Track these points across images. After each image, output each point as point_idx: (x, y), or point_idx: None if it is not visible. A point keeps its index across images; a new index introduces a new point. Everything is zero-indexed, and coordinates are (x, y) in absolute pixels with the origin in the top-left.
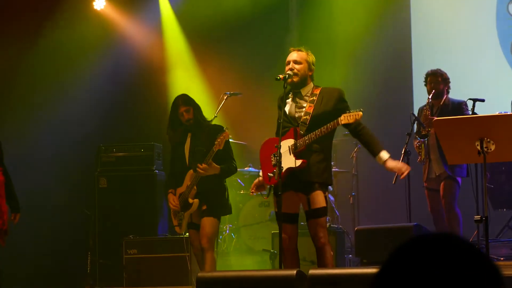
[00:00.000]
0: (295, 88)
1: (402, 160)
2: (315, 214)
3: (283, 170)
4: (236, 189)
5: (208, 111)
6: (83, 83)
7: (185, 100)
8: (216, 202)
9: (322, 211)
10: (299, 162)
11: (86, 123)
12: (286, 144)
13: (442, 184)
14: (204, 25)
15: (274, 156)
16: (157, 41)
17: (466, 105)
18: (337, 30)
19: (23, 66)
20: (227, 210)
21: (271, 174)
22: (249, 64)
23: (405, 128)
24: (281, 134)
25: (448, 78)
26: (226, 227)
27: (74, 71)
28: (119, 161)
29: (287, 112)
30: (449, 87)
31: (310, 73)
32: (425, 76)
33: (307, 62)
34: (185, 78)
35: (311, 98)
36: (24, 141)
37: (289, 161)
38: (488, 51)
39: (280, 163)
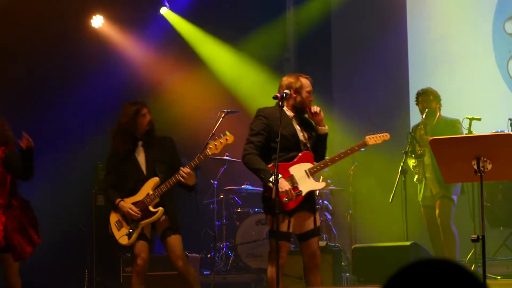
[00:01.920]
0: (300, 113)
1: (398, 179)
2: (318, 231)
3: (303, 193)
4: (233, 207)
5: (206, 129)
6: (81, 100)
7: (142, 102)
8: (176, 218)
9: (320, 229)
10: (323, 184)
11: (84, 141)
12: (302, 168)
13: (437, 203)
14: (203, 41)
15: (288, 180)
16: (155, 58)
17: (459, 123)
18: (334, 51)
19: (21, 84)
20: (181, 227)
21: (286, 199)
22: (247, 80)
23: (401, 147)
24: (288, 159)
25: (439, 96)
26: (223, 245)
27: (72, 89)
28: None
29: (300, 135)
30: (440, 105)
31: None
32: (416, 95)
33: None
34: (183, 95)
35: (300, 122)
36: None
37: (309, 184)
38: (484, 69)
39: (278, 182)
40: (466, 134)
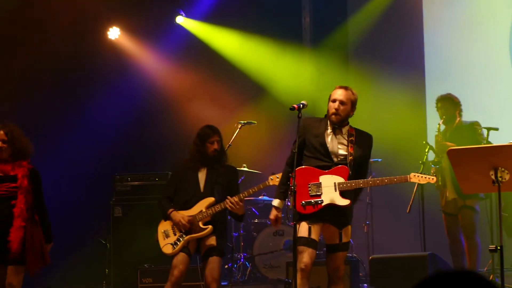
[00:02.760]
0: (336, 124)
1: (416, 189)
2: (344, 247)
3: (323, 203)
4: (251, 218)
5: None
6: (98, 112)
7: (215, 130)
8: (224, 241)
9: (348, 246)
10: (346, 201)
11: (102, 152)
12: (332, 180)
13: (459, 215)
14: (221, 54)
15: (314, 186)
16: (172, 70)
17: (478, 124)
18: (351, 57)
19: (39, 96)
20: (225, 251)
21: (304, 203)
22: (264, 91)
23: (418, 156)
24: (321, 166)
25: (459, 102)
26: (241, 255)
27: (90, 101)
28: (134, 190)
29: (329, 145)
30: (460, 110)
31: (351, 113)
32: (436, 101)
33: (351, 102)
34: (201, 107)
35: (350, 138)
36: (38, 170)
37: (333, 197)
38: (502, 79)
39: (295, 192)
40: (484, 144)
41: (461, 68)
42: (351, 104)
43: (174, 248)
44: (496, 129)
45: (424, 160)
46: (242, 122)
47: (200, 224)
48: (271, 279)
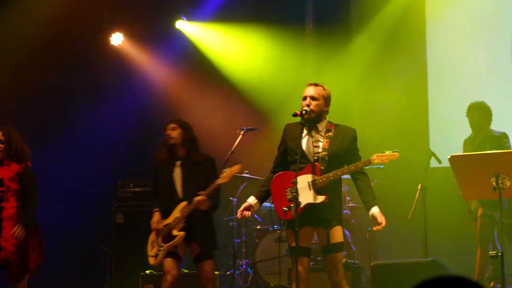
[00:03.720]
0: (311, 123)
1: (418, 196)
2: (334, 249)
3: (301, 205)
4: (253, 224)
5: (226, 146)
6: (101, 118)
7: (178, 121)
8: (210, 243)
9: (340, 246)
10: (321, 198)
11: (104, 158)
12: (305, 180)
13: (478, 221)
14: (219, 60)
15: (291, 191)
16: (174, 75)
17: (506, 136)
18: (352, 65)
19: (41, 101)
20: (216, 246)
21: (286, 209)
22: (266, 98)
23: (422, 164)
24: (290, 169)
25: (490, 111)
26: (243, 262)
27: (92, 106)
28: (136, 196)
29: (304, 147)
30: (490, 119)
31: (326, 109)
32: (468, 108)
33: (324, 98)
34: (204, 113)
35: (327, 134)
36: (41, 176)
37: (308, 196)
38: (504, 86)
39: (297, 198)
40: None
41: (463, 73)
42: (324, 100)
43: (156, 259)
44: None
45: (427, 166)
46: (245, 128)
47: (174, 232)
48: (273, 285)
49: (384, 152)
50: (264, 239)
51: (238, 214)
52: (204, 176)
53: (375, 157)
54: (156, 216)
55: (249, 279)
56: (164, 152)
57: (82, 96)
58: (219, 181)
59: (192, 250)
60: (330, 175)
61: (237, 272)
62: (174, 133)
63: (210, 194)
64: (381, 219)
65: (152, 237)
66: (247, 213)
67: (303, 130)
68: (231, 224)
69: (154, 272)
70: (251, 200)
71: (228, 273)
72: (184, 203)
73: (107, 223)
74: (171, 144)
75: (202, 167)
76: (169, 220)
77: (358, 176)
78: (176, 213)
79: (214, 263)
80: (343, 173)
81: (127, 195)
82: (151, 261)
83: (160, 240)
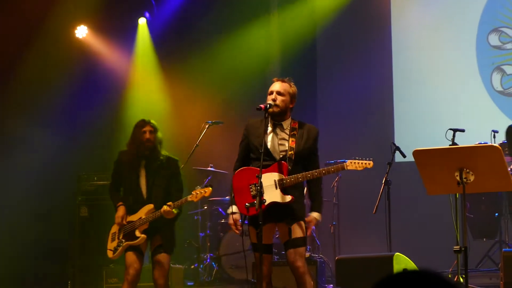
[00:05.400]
0: (276, 120)
1: (382, 190)
2: (295, 243)
3: (266, 203)
4: (217, 218)
5: (189, 141)
6: (62, 110)
7: (152, 123)
8: (170, 238)
9: (302, 241)
10: (288, 198)
11: (66, 151)
12: (271, 178)
13: None
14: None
15: (255, 186)
16: (140, 69)
17: None
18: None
19: (4, 95)
20: (173, 249)
21: (248, 205)
22: (231, 91)
23: (385, 157)
24: (263, 166)
25: None
26: (207, 256)
27: (53, 98)
28: (100, 189)
29: (269, 144)
30: None
31: (291, 106)
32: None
33: (290, 94)
34: (163, 106)
35: (292, 133)
36: (1, 171)
37: (274, 195)
38: (468, 81)
39: (261, 194)
40: (449, 145)
41: (428, 70)
42: (290, 96)
43: (114, 253)
44: (463, 130)
45: (391, 161)
46: (210, 121)
47: (137, 233)
48: (238, 279)
49: (357, 159)
50: (228, 233)
51: (235, 230)
52: (168, 178)
53: (349, 164)
54: (121, 210)
55: (214, 273)
56: (133, 151)
57: (44, 88)
58: (189, 198)
59: (152, 245)
60: (299, 176)
61: (201, 266)
62: (152, 136)
63: (179, 206)
64: (313, 224)
65: (113, 229)
66: (237, 221)
67: (267, 126)
68: (195, 217)
69: (119, 266)
70: (234, 209)
71: (192, 267)
72: (150, 206)
73: (71, 217)
74: (149, 147)
75: (167, 169)
76: (134, 218)
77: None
78: (141, 214)
79: (170, 259)
80: (314, 176)
81: (91, 188)
82: (109, 254)
83: (121, 235)
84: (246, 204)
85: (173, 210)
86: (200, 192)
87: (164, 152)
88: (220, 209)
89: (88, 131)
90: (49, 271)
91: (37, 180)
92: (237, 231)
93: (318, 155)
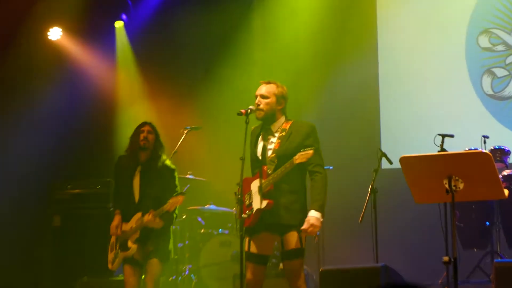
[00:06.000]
0: (265, 124)
1: (368, 199)
2: (289, 255)
3: (253, 212)
4: (197, 227)
5: (168, 146)
6: (36, 115)
7: (147, 122)
8: (163, 245)
9: (296, 253)
10: (264, 203)
11: (39, 159)
12: (256, 185)
13: None
14: (162, 56)
15: (248, 196)
16: (112, 74)
17: None
18: (300, 63)
19: None
20: (169, 257)
21: (245, 216)
22: (211, 96)
23: (371, 165)
24: (253, 174)
25: None
26: (186, 267)
27: (25, 103)
28: (74, 198)
29: (258, 150)
30: None
31: (279, 107)
32: None
33: (276, 95)
34: (142, 111)
35: (281, 134)
36: None
37: (257, 202)
38: (457, 84)
39: (242, 202)
40: (438, 151)
41: (416, 73)
42: (276, 98)
43: (112, 264)
44: (452, 135)
45: (377, 168)
46: (188, 127)
47: (129, 243)
48: None
49: (306, 150)
50: (208, 243)
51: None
52: (162, 186)
53: (297, 156)
54: (116, 220)
55: (193, 285)
56: (129, 156)
57: (15, 92)
58: (164, 207)
59: (145, 251)
60: (270, 178)
61: (180, 278)
62: (151, 137)
63: (161, 215)
64: (307, 224)
65: (112, 238)
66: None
67: (260, 130)
68: (173, 227)
69: (93, 279)
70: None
71: (170, 279)
72: (139, 215)
73: (43, 227)
74: (143, 147)
75: (161, 178)
76: (127, 227)
77: (312, 176)
78: (132, 222)
79: (162, 267)
80: (278, 175)
81: (64, 197)
82: (109, 265)
83: (117, 246)
84: (243, 215)
85: (157, 220)
86: (174, 201)
87: (164, 158)
88: (200, 219)
89: (63, 137)
90: (20, 283)
91: (8, 188)
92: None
93: (318, 150)
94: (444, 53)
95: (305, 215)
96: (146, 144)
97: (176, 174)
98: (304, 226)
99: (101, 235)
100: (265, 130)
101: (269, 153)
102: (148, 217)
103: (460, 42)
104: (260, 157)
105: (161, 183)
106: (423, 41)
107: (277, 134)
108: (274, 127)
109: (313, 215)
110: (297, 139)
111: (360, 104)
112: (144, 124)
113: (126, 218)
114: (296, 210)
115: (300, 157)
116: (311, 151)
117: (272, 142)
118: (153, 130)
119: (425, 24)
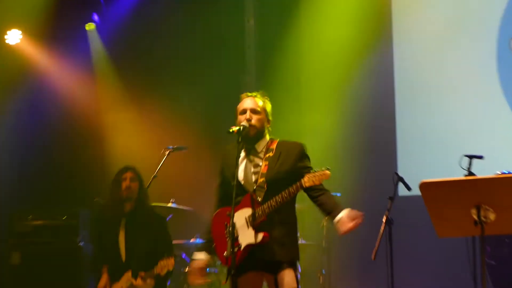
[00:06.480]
0: (249, 144)
1: (382, 231)
2: None
3: (242, 248)
4: (181, 266)
5: (148, 169)
6: None
7: (130, 167)
8: None
9: None
10: (260, 236)
11: None
12: (243, 216)
13: None
14: (143, 67)
15: (228, 229)
16: (85, 84)
17: None
18: (306, 71)
19: None
20: None
21: (226, 254)
22: (197, 112)
23: (387, 191)
24: (235, 203)
25: None
26: None
27: None
28: (37, 231)
29: (241, 175)
30: None
31: (268, 125)
32: None
33: (265, 111)
34: (120, 129)
35: (267, 155)
36: None
37: (248, 236)
38: (487, 98)
39: (233, 235)
40: (465, 176)
41: (437, 83)
42: (265, 113)
43: None
44: (481, 157)
45: (393, 195)
46: (171, 147)
47: None
48: None
49: (315, 171)
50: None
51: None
52: (151, 239)
53: (306, 179)
54: (104, 280)
55: None
56: (111, 208)
57: None
58: (156, 270)
59: None
60: (265, 206)
61: None
62: (134, 185)
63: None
64: (348, 220)
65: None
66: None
67: (240, 153)
68: None
69: None
70: (203, 256)
71: None
72: (128, 275)
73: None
74: (127, 198)
75: (149, 229)
76: (116, 287)
77: (318, 193)
78: (122, 283)
79: None
80: (277, 203)
81: (25, 230)
82: None
83: None
84: (224, 253)
85: (148, 281)
86: (165, 263)
87: (151, 207)
88: (184, 255)
89: (22, 157)
90: None
91: None
92: (198, 281)
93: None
94: (470, 62)
95: (297, 249)
96: (129, 194)
97: (166, 223)
98: (346, 224)
99: (67, 274)
100: (248, 151)
101: (254, 177)
102: (138, 282)
103: (490, 48)
104: (242, 182)
105: (150, 236)
106: (444, 49)
107: (262, 155)
108: (259, 146)
109: (345, 212)
110: (288, 160)
111: (372, 121)
112: (125, 170)
113: (114, 277)
114: (288, 244)
115: (310, 180)
116: (327, 172)
117: (257, 165)
118: (136, 176)
119: (447, 29)
